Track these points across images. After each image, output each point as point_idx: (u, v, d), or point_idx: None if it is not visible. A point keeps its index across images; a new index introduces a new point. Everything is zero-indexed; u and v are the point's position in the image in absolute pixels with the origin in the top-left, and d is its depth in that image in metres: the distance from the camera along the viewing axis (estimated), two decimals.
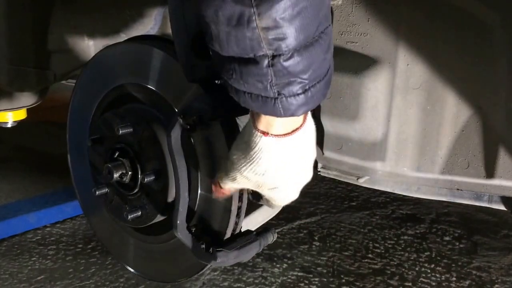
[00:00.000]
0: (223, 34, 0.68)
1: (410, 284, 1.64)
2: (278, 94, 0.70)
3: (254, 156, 0.82)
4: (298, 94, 0.71)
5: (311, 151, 0.87)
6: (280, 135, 0.79)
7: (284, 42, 0.66)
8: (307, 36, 0.67)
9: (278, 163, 0.82)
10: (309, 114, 0.84)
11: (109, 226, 1.40)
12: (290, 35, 0.65)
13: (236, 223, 1.09)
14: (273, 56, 0.67)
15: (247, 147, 0.82)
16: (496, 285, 1.64)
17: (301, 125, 0.80)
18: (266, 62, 0.68)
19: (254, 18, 0.64)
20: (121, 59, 1.26)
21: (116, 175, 1.17)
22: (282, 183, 0.86)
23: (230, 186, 0.91)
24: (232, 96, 0.76)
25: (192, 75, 0.92)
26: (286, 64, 0.68)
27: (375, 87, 1.13)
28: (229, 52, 0.69)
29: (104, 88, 1.31)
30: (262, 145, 0.80)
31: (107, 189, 1.24)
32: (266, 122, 0.78)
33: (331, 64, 0.75)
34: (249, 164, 0.83)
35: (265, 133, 0.79)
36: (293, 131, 0.79)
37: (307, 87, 0.71)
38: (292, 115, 0.74)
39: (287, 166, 0.83)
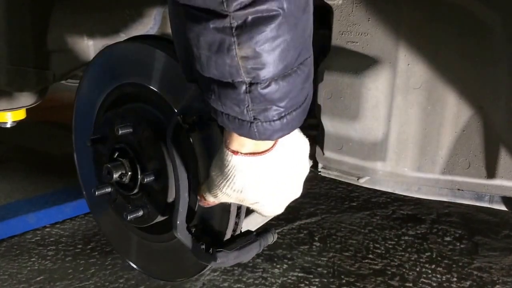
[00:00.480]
0: (204, 58, 0.69)
1: (410, 284, 1.63)
2: (254, 119, 0.72)
3: (228, 173, 0.83)
4: (274, 120, 0.72)
5: (296, 169, 0.88)
6: (249, 154, 0.80)
7: (262, 71, 0.67)
8: (285, 66, 0.68)
9: (254, 180, 0.83)
10: (298, 132, 0.86)
11: (116, 223, 1.40)
12: (269, 65, 0.66)
13: (236, 224, 1.08)
14: (251, 84, 0.68)
15: (222, 165, 0.84)
16: (497, 286, 1.64)
17: (272, 146, 0.81)
18: (243, 88, 0.68)
19: (234, 47, 0.65)
20: (121, 58, 1.26)
21: (115, 176, 1.17)
22: (262, 198, 0.87)
23: (213, 200, 0.93)
24: (211, 114, 0.77)
25: (191, 74, 0.91)
26: (263, 91, 0.68)
27: (375, 87, 1.12)
28: (209, 73, 0.70)
29: (106, 88, 1.31)
30: (234, 163, 0.81)
31: (110, 189, 1.24)
32: (237, 142, 0.79)
33: (310, 92, 0.76)
34: (226, 181, 0.85)
35: (235, 152, 0.80)
36: (264, 151, 0.80)
37: (283, 114, 0.72)
38: (268, 139, 0.76)
39: (265, 183, 0.85)
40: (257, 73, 0.67)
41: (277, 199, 0.89)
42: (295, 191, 0.92)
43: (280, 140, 0.81)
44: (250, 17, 0.63)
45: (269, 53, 0.65)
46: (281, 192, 0.88)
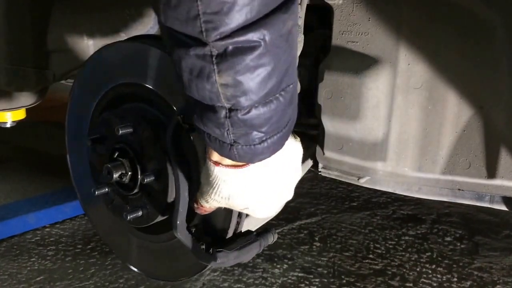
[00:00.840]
0: (186, 79, 0.69)
1: (411, 284, 1.63)
2: (234, 142, 0.72)
3: (213, 182, 0.84)
4: (254, 145, 0.72)
5: (284, 177, 0.88)
6: (229, 166, 0.80)
7: (242, 99, 0.66)
8: (266, 94, 0.68)
9: (238, 189, 0.84)
10: (290, 140, 0.85)
11: (111, 224, 1.40)
12: (249, 93, 0.66)
13: (238, 223, 1.08)
14: (230, 109, 0.68)
15: (207, 174, 0.85)
16: (498, 286, 1.64)
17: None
18: (224, 113, 0.68)
19: (214, 74, 0.65)
20: (119, 58, 1.26)
21: (115, 176, 1.17)
22: (251, 204, 0.88)
23: (208, 206, 0.93)
24: (196, 130, 0.77)
25: None
26: (243, 118, 0.68)
27: (376, 86, 1.12)
28: (191, 94, 0.70)
29: (102, 88, 1.31)
30: (217, 173, 0.82)
31: (107, 189, 1.23)
32: (217, 155, 0.80)
33: (292, 117, 0.76)
34: (212, 189, 0.86)
35: (216, 163, 0.81)
36: (244, 165, 0.80)
37: (264, 138, 0.72)
38: (249, 162, 0.76)
39: (250, 192, 0.85)
40: (237, 100, 0.66)
41: (267, 204, 0.90)
42: (285, 196, 0.92)
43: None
44: (230, 47, 0.62)
45: (249, 82, 0.65)
46: (270, 198, 0.89)
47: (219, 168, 0.81)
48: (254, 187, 0.84)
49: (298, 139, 0.91)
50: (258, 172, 0.82)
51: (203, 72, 0.65)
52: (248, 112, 0.68)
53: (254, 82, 0.65)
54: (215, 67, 0.64)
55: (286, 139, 0.78)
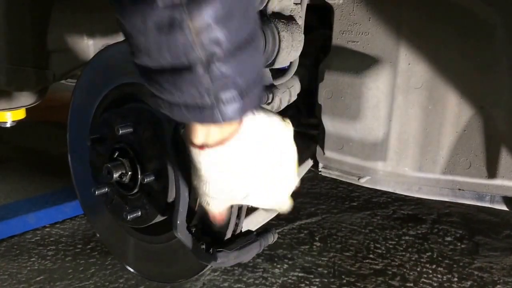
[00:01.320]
0: (153, 44, 0.65)
1: (411, 284, 1.63)
2: (215, 100, 0.69)
3: (205, 175, 0.82)
4: (234, 99, 0.70)
5: (274, 151, 0.85)
6: (216, 144, 0.78)
7: (218, 44, 0.65)
8: (240, 37, 0.66)
9: (232, 171, 0.81)
10: (273, 117, 0.84)
11: (111, 226, 1.40)
12: (224, 36, 0.64)
13: (237, 224, 1.08)
14: (208, 61, 0.66)
15: (196, 169, 0.82)
16: (498, 286, 1.64)
17: (236, 131, 0.79)
18: (201, 68, 0.66)
19: (186, 22, 0.62)
20: (121, 58, 1.26)
21: (115, 175, 1.17)
22: (251, 190, 0.85)
23: (212, 210, 0.91)
24: (165, 112, 0.73)
25: None
26: (221, 68, 0.66)
27: (376, 86, 1.12)
28: (160, 61, 0.67)
29: (104, 88, 1.31)
30: (205, 161, 0.79)
31: (107, 189, 1.23)
32: (202, 132, 0.77)
33: (261, 68, 0.76)
34: (208, 184, 0.83)
35: (202, 147, 0.78)
36: (229, 136, 0.78)
37: (243, 88, 0.70)
38: (231, 120, 0.73)
39: (246, 172, 0.82)
40: (213, 46, 0.64)
41: (267, 186, 0.87)
42: (286, 175, 0.89)
43: (245, 123, 0.80)
44: None
45: (223, 23, 0.63)
46: (267, 176, 0.86)
47: (206, 152, 0.78)
48: (247, 164, 0.82)
49: (288, 120, 0.89)
50: (245, 146, 0.80)
51: (174, 22, 0.62)
52: (225, 60, 0.66)
53: (227, 23, 0.64)
54: (185, 10, 0.61)
55: (262, 92, 0.76)
